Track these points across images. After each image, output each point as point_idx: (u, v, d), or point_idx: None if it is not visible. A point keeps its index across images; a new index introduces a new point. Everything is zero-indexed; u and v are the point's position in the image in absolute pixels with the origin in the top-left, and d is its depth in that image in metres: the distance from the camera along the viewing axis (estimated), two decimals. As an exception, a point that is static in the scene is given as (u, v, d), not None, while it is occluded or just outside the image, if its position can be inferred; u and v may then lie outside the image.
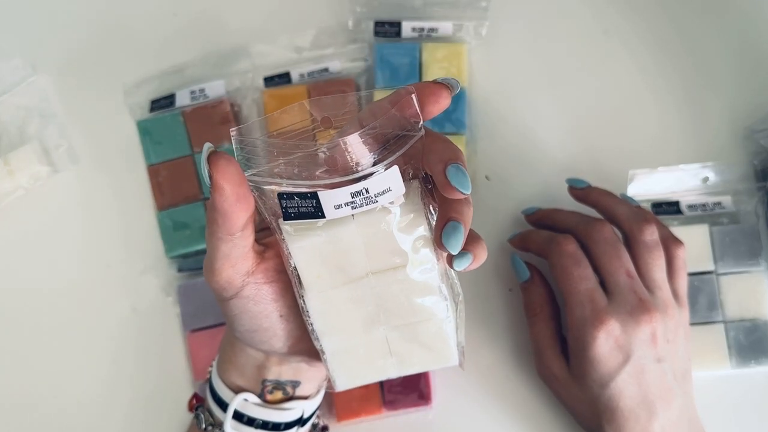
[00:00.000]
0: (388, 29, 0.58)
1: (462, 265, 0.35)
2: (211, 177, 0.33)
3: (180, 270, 0.56)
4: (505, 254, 0.57)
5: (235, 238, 0.35)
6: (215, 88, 0.58)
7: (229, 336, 0.44)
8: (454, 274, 0.40)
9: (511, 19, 0.60)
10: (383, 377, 0.42)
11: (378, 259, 0.37)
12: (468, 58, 0.59)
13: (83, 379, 0.57)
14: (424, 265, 0.38)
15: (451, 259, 0.36)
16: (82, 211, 0.60)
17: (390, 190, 0.35)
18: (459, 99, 0.57)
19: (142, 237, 0.58)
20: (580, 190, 0.54)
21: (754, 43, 0.60)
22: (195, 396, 0.48)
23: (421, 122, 0.35)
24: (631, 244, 0.50)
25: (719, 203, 0.56)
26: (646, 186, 0.56)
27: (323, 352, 0.40)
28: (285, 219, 0.36)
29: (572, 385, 0.49)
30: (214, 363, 0.46)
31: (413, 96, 0.34)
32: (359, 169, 0.34)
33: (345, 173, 0.34)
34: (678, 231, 0.55)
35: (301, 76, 0.59)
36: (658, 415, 0.46)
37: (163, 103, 0.58)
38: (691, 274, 0.55)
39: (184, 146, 0.57)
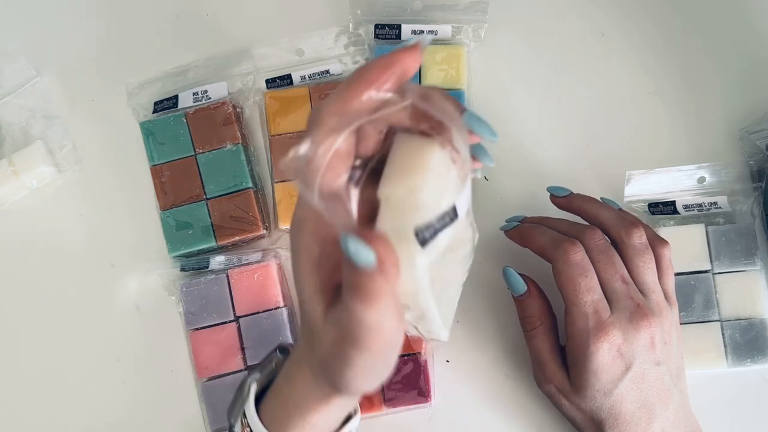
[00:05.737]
0: (388, 32, 0.59)
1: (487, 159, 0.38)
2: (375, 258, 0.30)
3: (183, 269, 0.56)
4: (504, 254, 0.57)
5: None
6: (218, 90, 0.59)
7: (335, 395, 0.41)
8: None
9: (509, 21, 0.61)
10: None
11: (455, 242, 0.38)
12: (467, 60, 0.59)
13: (86, 376, 0.58)
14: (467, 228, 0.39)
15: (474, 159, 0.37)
16: (86, 211, 0.60)
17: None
18: (458, 101, 0.58)
19: (145, 236, 0.59)
20: (562, 198, 0.53)
21: (749, 45, 0.60)
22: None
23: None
24: (620, 248, 0.50)
25: (715, 203, 0.56)
26: (642, 186, 0.56)
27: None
28: (423, 246, 0.34)
29: (573, 395, 0.49)
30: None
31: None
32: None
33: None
34: (674, 231, 0.55)
35: (303, 78, 0.59)
36: (657, 416, 0.47)
37: (166, 104, 0.59)
38: (687, 273, 0.55)
39: (187, 147, 0.58)
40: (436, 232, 0.35)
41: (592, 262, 0.48)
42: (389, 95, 0.35)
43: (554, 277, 0.49)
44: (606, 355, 0.46)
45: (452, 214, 0.35)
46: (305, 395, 0.41)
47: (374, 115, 0.35)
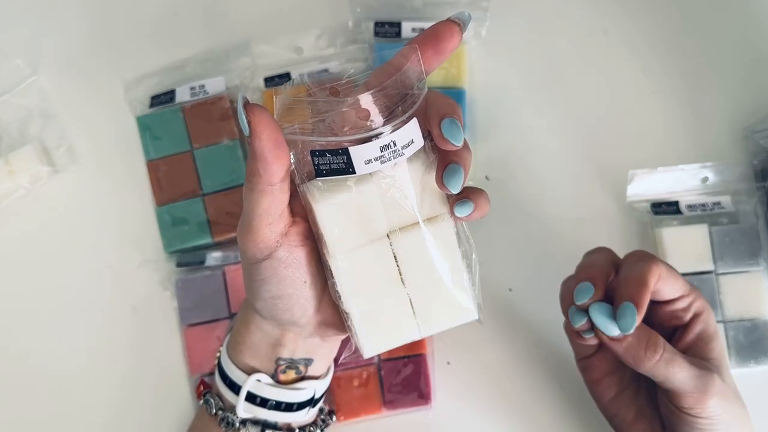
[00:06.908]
0: (388, 29, 0.59)
1: (463, 212, 0.38)
2: (249, 123, 0.34)
3: (178, 265, 0.56)
4: (505, 254, 0.57)
5: (275, 190, 0.36)
6: (215, 85, 0.58)
7: (245, 315, 0.44)
8: (466, 229, 0.40)
9: (511, 19, 0.61)
10: (408, 340, 0.41)
11: (399, 216, 0.38)
12: (468, 59, 0.59)
13: (81, 373, 0.57)
14: (442, 220, 0.39)
15: (453, 203, 0.38)
16: (82, 211, 0.60)
17: (413, 142, 0.36)
18: (459, 99, 0.57)
19: (141, 232, 0.58)
20: None
21: (753, 44, 0.60)
22: (202, 382, 0.48)
23: (425, 80, 0.36)
24: None
25: (719, 203, 0.56)
26: (645, 186, 0.56)
27: (349, 317, 0.40)
28: (317, 175, 0.36)
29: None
30: (223, 348, 0.46)
31: (417, 54, 0.36)
32: (374, 126, 0.35)
33: (366, 130, 0.36)
34: (677, 231, 0.55)
35: (301, 76, 0.59)
36: None
37: (163, 98, 0.58)
38: (690, 274, 0.55)
39: (184, 142, 0.57)
40: (330, 167, 0.36)
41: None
42: None
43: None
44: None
45: (346, 159, 0.36)
46: (239, 318, 0.45)
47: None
